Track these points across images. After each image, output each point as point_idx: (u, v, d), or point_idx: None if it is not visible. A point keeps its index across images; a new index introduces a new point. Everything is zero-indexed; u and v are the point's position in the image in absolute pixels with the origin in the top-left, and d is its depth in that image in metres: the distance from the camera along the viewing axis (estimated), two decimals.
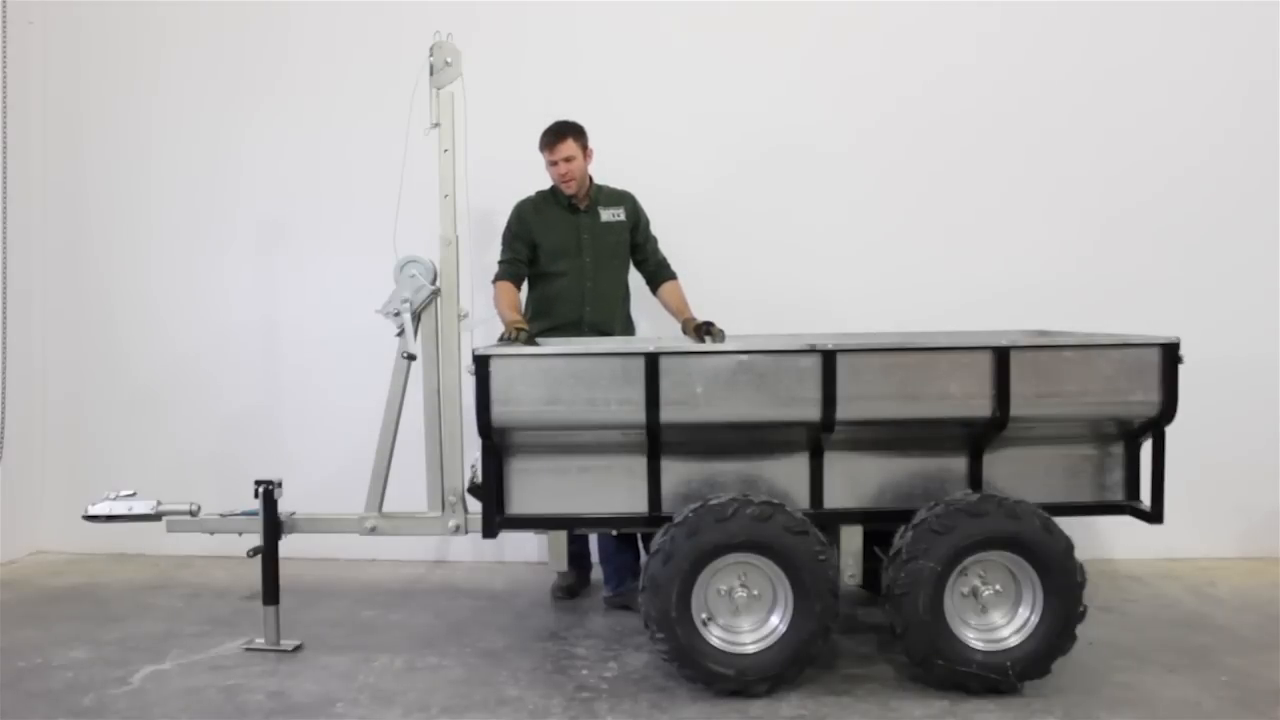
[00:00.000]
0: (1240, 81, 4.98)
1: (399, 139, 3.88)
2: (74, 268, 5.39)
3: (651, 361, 3.38)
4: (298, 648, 3.88)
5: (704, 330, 4.08)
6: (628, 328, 4.53)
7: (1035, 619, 3.32)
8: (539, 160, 4.38)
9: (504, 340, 3.93)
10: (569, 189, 4.32)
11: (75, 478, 5.20)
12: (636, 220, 4.50)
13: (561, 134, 4.27)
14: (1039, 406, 3.41)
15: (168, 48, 5.30)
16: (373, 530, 3.94)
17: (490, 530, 3.58)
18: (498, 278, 4.35)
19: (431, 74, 3.84)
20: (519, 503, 3.56)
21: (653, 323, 4.72)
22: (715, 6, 5.09)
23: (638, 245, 4.50)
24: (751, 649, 3.35)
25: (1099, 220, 5.02)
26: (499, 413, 3.40)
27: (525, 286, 4.49)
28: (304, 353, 5.20)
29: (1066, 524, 3.36)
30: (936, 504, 3.35)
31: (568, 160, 4.26)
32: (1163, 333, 3.49)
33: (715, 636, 3.35)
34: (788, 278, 5.01)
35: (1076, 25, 5.01)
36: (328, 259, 5.15)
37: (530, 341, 3.87)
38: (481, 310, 4.60)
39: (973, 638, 3.35)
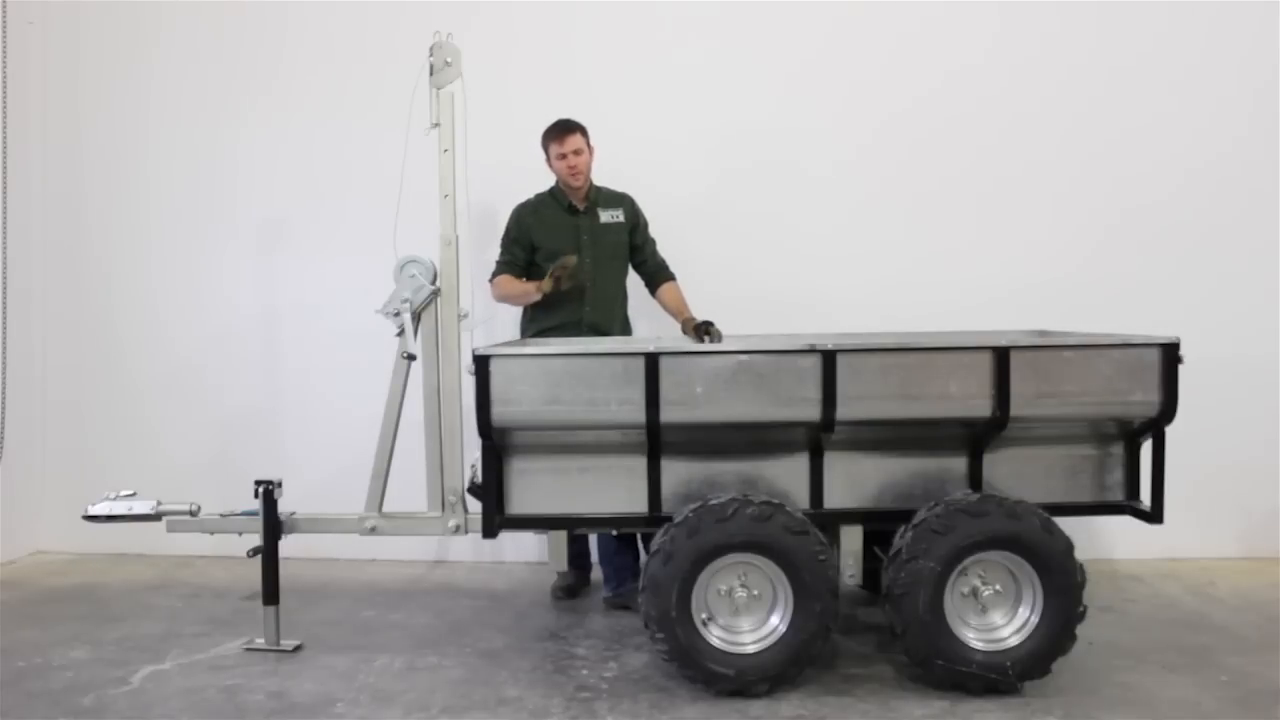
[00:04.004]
0: (1242, 84, 4.97)
1: (399, 139, 3.88)
2: (74, 267, 5.39)
3: (651, 361, 3.37)
4: (298, 648, 3.88)
5: (703, 330, 4.09)
6: (626, 329, 4.53)
7: (1035, 619, 3.32)
8: (538, 161, 4.38)
9: (554, 276, 4.17)
10: (577, 182, 4.33)
11: (75, 478, 5.18)
12: (635, 222, 4.50)
13: (571, 128, 4.30)
14: (1039, 406, 3.41)
15: (167, 47, 5.30)
16: (373, 530, 3.93)
17: (490, 530, 3.57)
18: (495, 274, 4.39)
19: (431, 74, 3.84)
20: (519, 503, 3.56)
21: (650, 325, 4.72)
22: (717, 7, 5.08)
23: (636, 247, 4.51)
24: (751, 649, 3.34)
25: (1100, 220, 5.02)
26: (499, 413, 3.40)
27: None
28: (304, 352, 5.20)
29: (1066, 524, 3.36)
30: (936, 504, 3.35)
31: (577, 153, 4.28)
32: (1163, 333, 3.48)
33: (715, 636, 3.35)
34: (788, 278, 5.00)
35: (1078, 29, 5.01)
36: (327, 259, 5.14)
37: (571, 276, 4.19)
38: (481, 310, 4.60)
39: (973, 638, 3.34)
